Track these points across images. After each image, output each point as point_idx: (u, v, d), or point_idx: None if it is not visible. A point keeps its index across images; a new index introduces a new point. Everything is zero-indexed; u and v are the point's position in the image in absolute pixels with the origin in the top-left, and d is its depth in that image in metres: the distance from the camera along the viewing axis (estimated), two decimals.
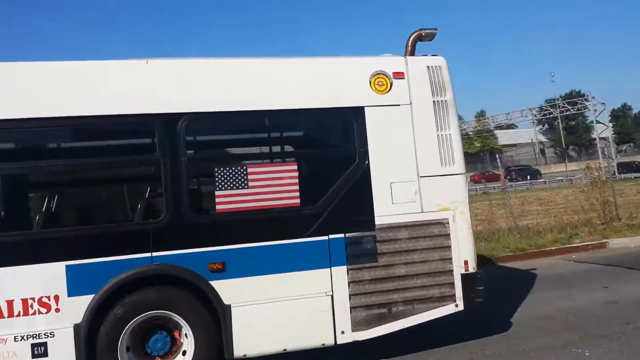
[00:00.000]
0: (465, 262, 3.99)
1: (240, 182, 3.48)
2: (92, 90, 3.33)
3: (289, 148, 4.05)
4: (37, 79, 3.28)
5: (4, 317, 3.04)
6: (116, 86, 3.37)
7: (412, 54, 4.13)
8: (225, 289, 3.47)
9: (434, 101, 3.98)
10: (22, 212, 3.45)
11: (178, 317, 3.42)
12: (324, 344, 3.63)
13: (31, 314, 3.10)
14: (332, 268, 3.69)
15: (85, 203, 3.85)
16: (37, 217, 3.52)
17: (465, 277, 3.96)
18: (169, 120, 3.40)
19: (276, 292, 3.53)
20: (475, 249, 4.13)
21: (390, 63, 3.93)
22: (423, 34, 4.13)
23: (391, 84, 3.89)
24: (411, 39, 4.14)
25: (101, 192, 4.02)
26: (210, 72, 3.54)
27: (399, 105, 3.90)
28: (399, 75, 3.91)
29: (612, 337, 4.32)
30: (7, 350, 2.89)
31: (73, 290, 3.12)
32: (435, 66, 4.03)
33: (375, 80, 3.88)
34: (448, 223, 3.98)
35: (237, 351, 3.45)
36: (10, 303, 3.04)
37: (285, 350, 3.56)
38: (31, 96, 3.24)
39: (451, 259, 3.98)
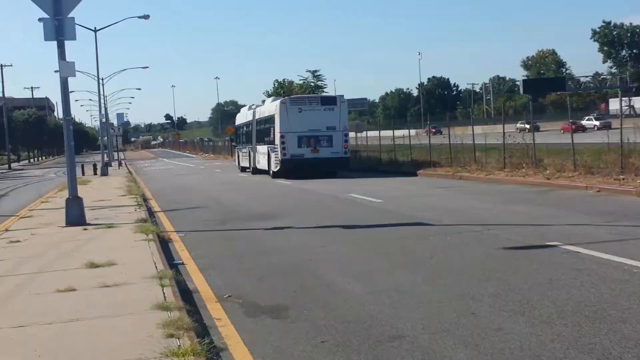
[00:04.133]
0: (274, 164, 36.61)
1: (268, 130, 39.25)
2: (263, 111, 42.12)
3: (270, 124, 37.87)
4: (264, 107, 42.53)
5: (260, 154, 40.07)
6: (262, 110, 41.96)
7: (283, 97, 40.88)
8: (256, 148, 42.30)
9: (279, 111, 35.72)
10: (263, 138, 40.14)
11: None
12: (269, 171, 36.93)
13: (264, 154, 38.72)
14: (270, 153, 37.03)
15: (261, 135, 40.62)
16: (264, 138, 39.47)
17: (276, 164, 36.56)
18: (265, 118, 40.63)
19: (263, 157, 39.35)
20: (276, 163, 35.66)
21: (277, 101, 37.59)
22: (284, 97, 41.72)
23: (277, 107, 36.12)
24: (282, 96, 44.68)
25: (263, 134, 40.14)
26: (266, 105, 42.15)
27: (278, 113, 35.62)
28: (278, 106, 36.04)
29: None
30: (261, 157, 39.63)
31: (269, 151, 36.93)
32: (280, 102, 36.37)
33: (276, 106, 36.51)
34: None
35: (257, 166, 41.20)
36: (261, 152, 39.92)
37: (261, 168, 39.71)
38: (262, 111, 41.85)
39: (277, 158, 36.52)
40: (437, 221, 15.75)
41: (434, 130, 69.82)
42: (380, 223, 16.10)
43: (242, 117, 49.46)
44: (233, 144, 56.17)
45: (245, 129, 46.59)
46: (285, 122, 34.80)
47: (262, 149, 38.87)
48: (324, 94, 62.75)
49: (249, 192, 28.51)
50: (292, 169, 34.67)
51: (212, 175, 45.95)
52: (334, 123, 35.03)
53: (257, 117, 42.11)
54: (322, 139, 35.02)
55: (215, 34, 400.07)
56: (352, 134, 46.47)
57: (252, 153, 42.56)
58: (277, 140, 34.96)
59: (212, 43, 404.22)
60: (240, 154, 48.59)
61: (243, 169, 46.21)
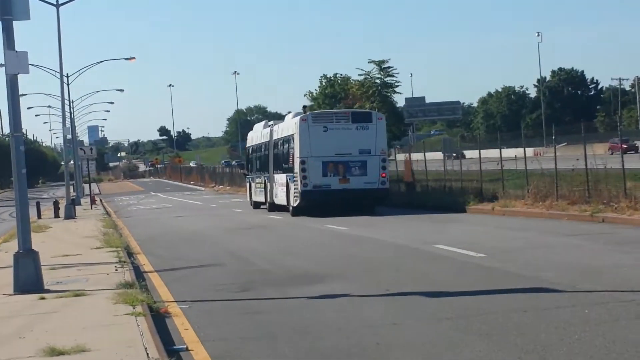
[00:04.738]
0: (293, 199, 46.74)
1: (287, 155, 49.44)
2: (281, 129, 52.33)
3: (289, 146, 47.61)
4: (283, 124, 53.50)
5: (278, 185, 48.40)
6: (281, 128, 51.90)
7: (305, 113, 50.45)
8: (273, 178, 52.41)
9: (298, 130, 44.51)
10: (281, 165, 49.49)
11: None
12: (290, 206, 45.34)
13: (282, 185, 47.23)
14: (290, 183, 46.24)
15: (279, 161, 49.71)
16: (283, 165, 49.31)
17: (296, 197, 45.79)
18: (283, 138, 51.63)
19: (281, 188, 48.24)
20: (291, 197, 46.13)
21: (297, 118, 46.32)
22: (306, 112, 50.05)
23: (296, 125, 44.92)
24: (305, 111, 51.63)
25: (282, 159, 49.52)
26: (285, 123, 52.72)
27: (297, 132, 44.18)
28: (297, 123, 44.76)
29: None
30: (279, 188, 48.39)
31: (288, 181, 45.22)
32: (300, 119, 45.15)
33: (295, 123, 45.34)
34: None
35: (275, 200, 50.05)
36: (279, 182, 48.46)
37: (279, 203, 48.32)
38: (281, 130, 52.43)
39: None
40: (568, 286, 15.67)
41: (624, 146, 62.89)
42: (483, 288, 16.10)
43: (255, 138, 56.99)
44: (243, 172, 62.51)
45: (260, 152, 54.57)
46: (306, 143, 41.09)
47: (281, 178, 45.62)
48: (396, 94, 66.89)
49: (282, 241, 29.34)
50: (315, 202, 41.00)
51: (228, 216, 46.71)
52: (368, 145, 40.94)
53: (275, 137, 49.34)
54: (353, 165, 40.78)
55: (232, 9, 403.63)
56: (435, 156, 51.85)
57: (268, 184, 49.44)
58: (297, 167, 41.18)
59: (228, 23, 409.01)
60: (253, 185, 55.41)
61: (256, 205, 54.08)
